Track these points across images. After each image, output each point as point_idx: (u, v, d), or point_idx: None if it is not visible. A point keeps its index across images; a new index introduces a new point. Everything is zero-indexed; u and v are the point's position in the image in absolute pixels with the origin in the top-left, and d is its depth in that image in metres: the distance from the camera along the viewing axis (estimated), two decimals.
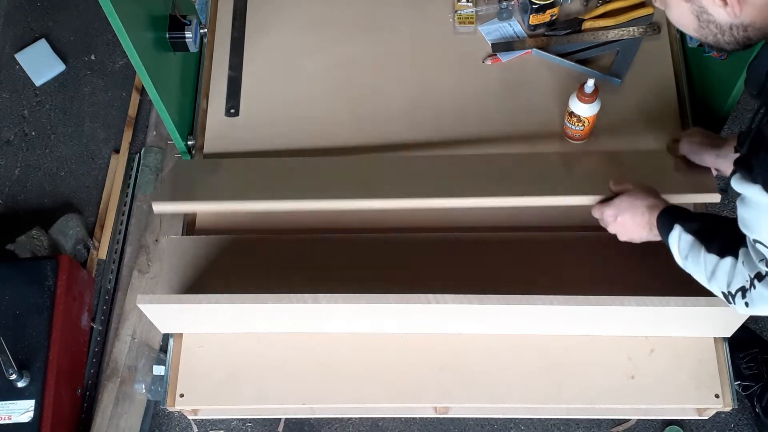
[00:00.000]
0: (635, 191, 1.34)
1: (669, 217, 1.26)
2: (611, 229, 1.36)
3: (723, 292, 1.15)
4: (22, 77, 2.56)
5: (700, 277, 1.18)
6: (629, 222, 1.32)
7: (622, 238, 1.36)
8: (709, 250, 1.15)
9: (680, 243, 1.20)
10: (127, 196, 2.36)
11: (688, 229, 1.20)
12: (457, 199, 1.47)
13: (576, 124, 1.55)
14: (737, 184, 1.03)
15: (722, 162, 1.42)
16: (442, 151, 1.60)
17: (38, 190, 2.42)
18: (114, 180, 2.39)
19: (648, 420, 2.07)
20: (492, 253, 1.47)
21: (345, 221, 1.53)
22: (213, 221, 1.56)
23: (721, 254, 1.14)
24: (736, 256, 1.12)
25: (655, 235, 1.30)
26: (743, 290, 1.11)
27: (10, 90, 2.56)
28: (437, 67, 1.72)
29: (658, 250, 1.33)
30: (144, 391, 2.11)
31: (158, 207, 1.52)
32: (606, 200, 1.38)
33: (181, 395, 1.42)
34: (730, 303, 1.15)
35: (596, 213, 1.39)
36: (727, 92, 1.56)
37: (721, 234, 1.15)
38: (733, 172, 1.04)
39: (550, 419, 2.09)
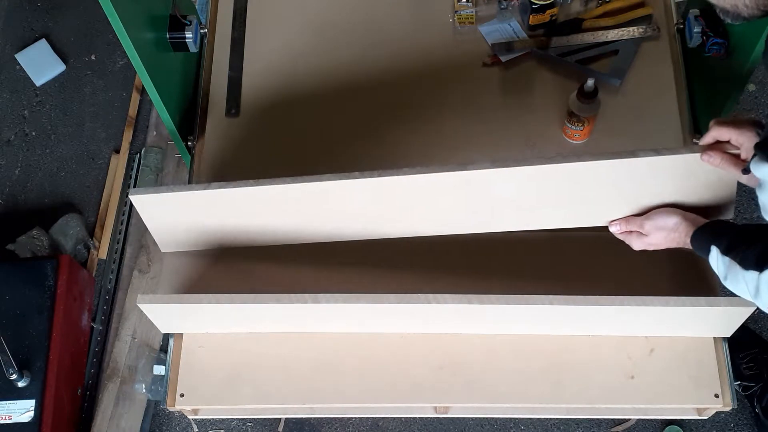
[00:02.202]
0: (656, 218, 1.31)
1: (704, 237, 1.20)
2: (638, 249, 1.35)
3: None
4: (22, 77, 2.56)
5: (746, 296, 1.11)
6: (662, 242, 1.31)
7: (651, 249, 1.34)
8: (746, 266, 1.07)
9: (719, 266, 1.14)
10: (127, 196, 2.35)
11: (722, 250, 1.13)
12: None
13: (576, 124, 1.55)
14: (755, 168, 1.01)
15: None
16: (443, 151, 1.60)
17: (38, 190, 2.42)
18: (114, 180, 2.39)
19: (648, 420, 2.07)
20: (492, 253, 1.47)
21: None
22: None
23: (760, 267, 1.04)
24: None
25: (687, 244, 1.27)
26: None
27: (11, 90, 2.56)
28: (437, 67, 1.72)
29: (659, 251, 1.33)
30: (144, 391, 2.11)
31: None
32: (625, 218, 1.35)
33: (182, 395, 1.41)
34: None
35: (629, 241, 1.36)
36: (728, 92, 1.56)
37: (758, 245, 1.06)
38: (753, 156, 1.02)
39: (550, 419, 2.09)
